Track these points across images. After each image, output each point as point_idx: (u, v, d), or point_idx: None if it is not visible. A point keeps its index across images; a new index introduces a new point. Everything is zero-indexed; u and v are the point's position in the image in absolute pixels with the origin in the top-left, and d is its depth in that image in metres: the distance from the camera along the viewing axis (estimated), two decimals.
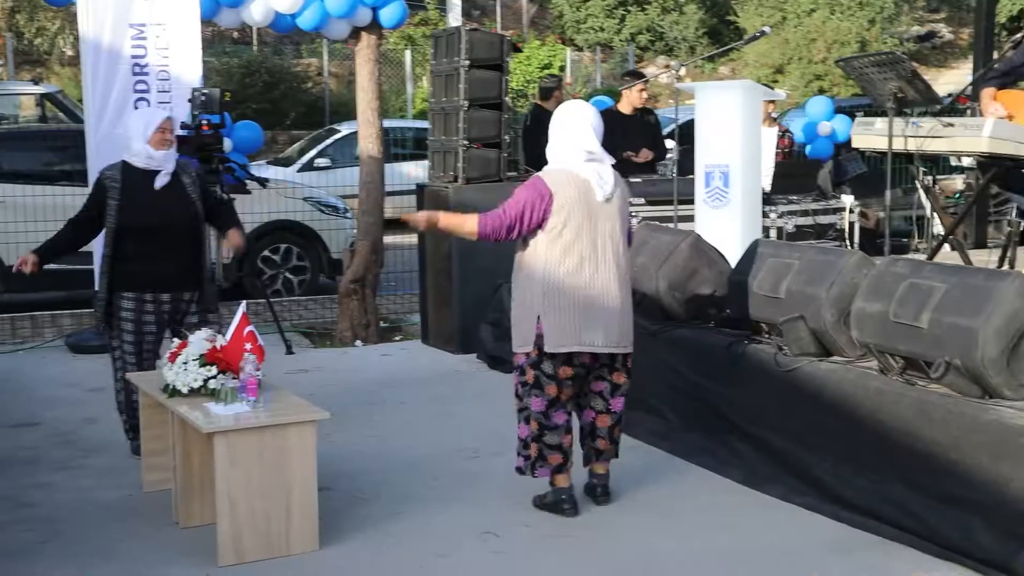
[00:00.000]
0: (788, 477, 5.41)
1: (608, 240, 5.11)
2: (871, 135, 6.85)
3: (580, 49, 27.04)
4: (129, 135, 6.00)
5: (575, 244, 5.05)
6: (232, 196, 8.10)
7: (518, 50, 11.49)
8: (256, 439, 4.68)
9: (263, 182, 11.30)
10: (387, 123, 15.82)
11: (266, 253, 10.97)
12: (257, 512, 4.69)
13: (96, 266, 8.76)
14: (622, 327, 5.18)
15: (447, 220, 5.34)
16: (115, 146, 8.64)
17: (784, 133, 9.73)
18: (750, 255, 5.99)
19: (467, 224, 5.19)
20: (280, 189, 11.18)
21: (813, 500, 5.24)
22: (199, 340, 5.11)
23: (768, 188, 8.91)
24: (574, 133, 5.12)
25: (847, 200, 9.54)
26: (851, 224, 9.52)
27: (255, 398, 4.83)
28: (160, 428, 5.38)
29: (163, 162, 5.90)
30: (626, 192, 5.30)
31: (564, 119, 5.18)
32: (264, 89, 19.50)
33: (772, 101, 9.77)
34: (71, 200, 9.79)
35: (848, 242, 9.37)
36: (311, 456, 4.78)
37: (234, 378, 4.92)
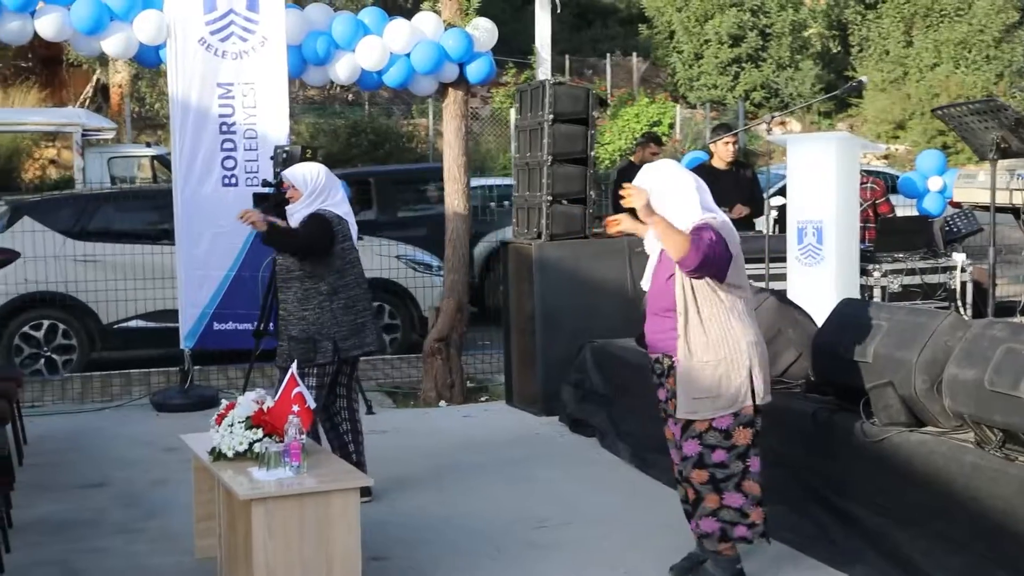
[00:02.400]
0: (875, 556, 4.98)
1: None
2: (973, 188, 6.41)
3: (693, 107, 26.74)
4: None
5: (740, 287, 4.83)
6: None
7: (605, 104, 11.29)
8: (296, 507, 4.46)
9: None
10: (490, 181, 15.81)
11: None
12: None
13: (183, 324, 8.79)
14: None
15: (663, 226, 4.63)
16: (202, 204, 8.71)
17: (865, 184, 9.20)
18: (836, 315, 5.60)
19: (678, 239, 4.63)
20: (372, 246, 11.07)
21: None
22: (247, 401, 4.93)
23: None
24: (702, 187, 4.86)
25: (958, 258, 9.00)
26: (963, 284, 8.97)
27: (298, 463, 4.61)
28: (211, 493, 5.20)
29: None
30: None
31: (684, 177, 4.84)
32: (369, 148, 19.62)
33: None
34: (164, 259, 9.89)
35: (960, 303, 8.84)
36: (354, 525, 4.54)
37: (279, 441, 4.72)
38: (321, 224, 5.94)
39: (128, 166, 17.01)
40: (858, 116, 28.15)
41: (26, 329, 10.19)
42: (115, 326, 10.32)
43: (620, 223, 4.90)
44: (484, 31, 8.91)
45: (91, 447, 7.65)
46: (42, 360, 10.19)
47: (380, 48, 8.72)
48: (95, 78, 24.86)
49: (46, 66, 24.82)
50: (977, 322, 4.98)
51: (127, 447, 7.59)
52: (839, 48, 29.10)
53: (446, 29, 8.84)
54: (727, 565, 4.86)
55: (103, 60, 21.11)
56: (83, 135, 15.64)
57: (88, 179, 15.12)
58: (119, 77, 23.60)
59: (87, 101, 24.22)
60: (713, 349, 4.68)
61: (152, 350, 10.35)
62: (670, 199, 4.73)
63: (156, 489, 6.59)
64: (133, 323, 10.27)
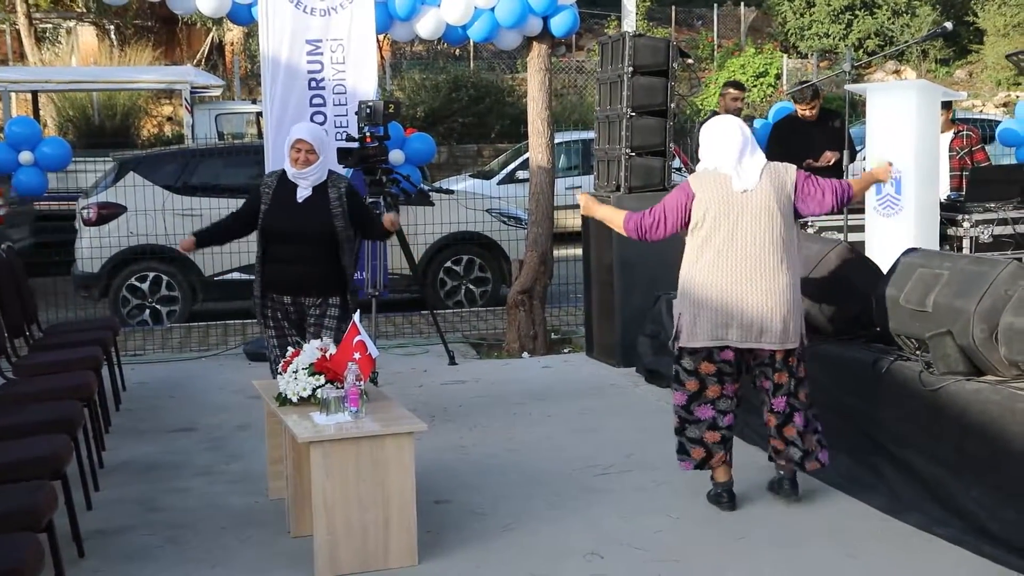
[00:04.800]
0: (931, 505, 4.98)
1: (751, 232, 5.03)
2: None
3: (804, 56, 26.23)
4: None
5: (712, 238, 5.08)
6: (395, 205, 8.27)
7: (686, 55, 11.15)
8: (352, 450, 4.62)
9: (448, 192, 11.45)
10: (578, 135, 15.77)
11: (448, 264, 11.05)
12: (354, 524, 4.64)
13: None
14: (767, 322, 5.03)
15: (603, 211, 5.57)
16: None
17: (959, 132, 9.01)
18: (900, 264, 5.55)
19: (616, 218, 5.41)
20: (462, 200, 11.23)
21: (955, 532, 4.80)
22: (311, 349, 5.11)
23: (943, 197, 8.28)
24: (718, 138, 5.18)
25: None
26: None
27: (356, 408, 4.79)
28: (281, 437, 5.41)
29: (298, 177, 6.02)
30: (783, 183, 5.12)
31: (710, 128, 5.26)
32: (470, 103, 19.75)
33: (949, 108, 9.03)
34: None
35: None
36: (409, 468, 4.69)
37: (339, 388, 4.89)
38: None
39: (235, 122, 17.44)
40: (978, 63, 27.27)
41: (132, 281, 10.62)
42: (216, 278, 10.67)
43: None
44: None
45: (185, 394, 7.97)
46: (147, 311, 10.61)
47: (464, 2, 8.79)
48: (210, 36, 25.44)
49: (164, 25, 25.46)
50: None
51: (218, 394, 7.90)
52: None
53: None
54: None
55: (218, 19, 21.57)
56: (192, 92, 16.05)
57: (196, 136, 15.54)
58: (231, 35, 24.10)
59: (203, 59, 24.82)
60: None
61: (250, 301, 10.63)
62: (704, 152, 5.27)
63: (240, 434, 6.86)
64: (232, 275, 10.58)
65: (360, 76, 8.91)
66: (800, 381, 5.21)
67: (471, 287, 11.14)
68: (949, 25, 7.69)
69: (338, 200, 6.08)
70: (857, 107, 15.65)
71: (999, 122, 12.86)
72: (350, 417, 4.79)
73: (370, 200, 8.26)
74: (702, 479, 5.40)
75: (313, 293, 6.07)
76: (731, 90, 9.87)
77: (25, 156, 9.22)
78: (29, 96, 16.90)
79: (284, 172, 6.16)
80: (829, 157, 9.06)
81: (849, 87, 7.51)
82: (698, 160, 5.35)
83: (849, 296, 5.85)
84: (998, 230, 8.62)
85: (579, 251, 9.09)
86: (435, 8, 8.86)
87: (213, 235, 6.54)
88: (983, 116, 17.75)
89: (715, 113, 10.37)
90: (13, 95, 17.14)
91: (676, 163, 9.81)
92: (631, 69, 8.07)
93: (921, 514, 5.00)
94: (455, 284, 11.11)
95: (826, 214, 5.44)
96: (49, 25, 25.06)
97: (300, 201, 6.09)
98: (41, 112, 16.96)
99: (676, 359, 5.23)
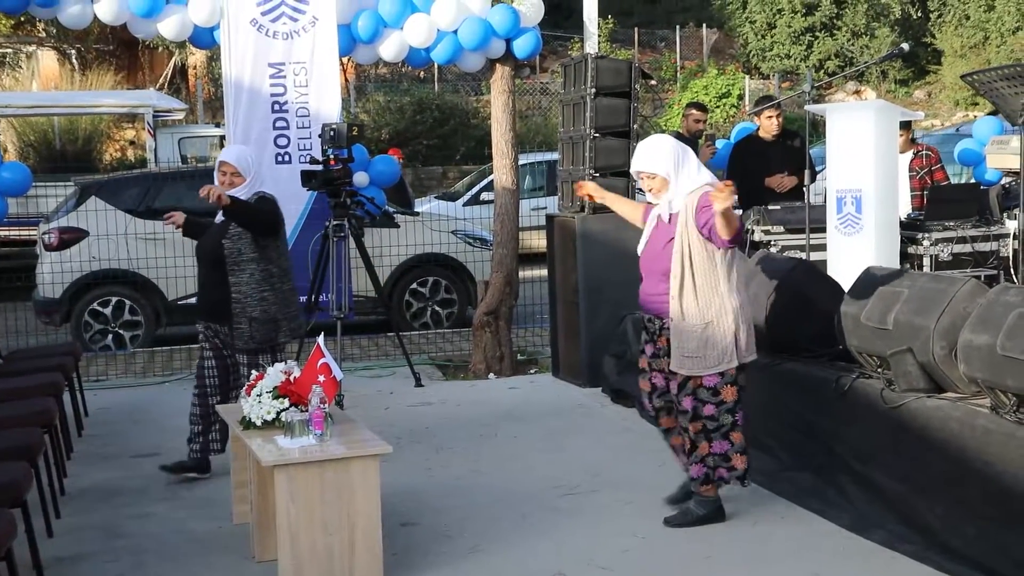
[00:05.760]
0: (895, 523, 5.02)
1: None
2: (1005, 154, 6.33)
3: (766, 77, 26.46)
4: None
5: (735, 256, 5.17)
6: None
7: (648, 76, 11.23)
8: (317, 473, 4.61)
9: (414, 214, 11.47)
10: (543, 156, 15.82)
11: (414, 286, 11.05)
12: (319, 548, 4.61)
13: None
14: None
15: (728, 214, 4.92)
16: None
17: (918, 152, 9.12)
18: (861, 283, 5.60)
19: (734, 223, 4.94)
20: (427, 222, 11.24)
21: (918, 548, 4.83)
22: (275, 372, 5.10)
23: (904, 216, 8.37)
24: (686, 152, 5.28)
25: (1012, 226, 8.86)
26: (1015, 252, 8.83)
27: (321, 431, 4.77)
28: (246, 461, 5.38)
29: None
30: None
31: (684, 148, 5.30)
32: (435, 125, 19.79)
33: (908, 128, 9.10)
34: None
35: (1012, 271, 8.70)
36: (375, 491, 4.67)
37: (303, 411, 4.87)
38: (274, 204, 6.14)
39: (199, 146, 17.39)
40: (936, 83, 27.60)
41: (95, 306, 10.54)
42: (179, 302, 10.60)
43: (586, 188, 5.62)
44: (530, 6, 8.96)
45: (148, 419, 7.91)
46: (110, 336, 10.53)
47: (427, 25, 8.82)
48: (173, 60, 25.36)
49: (126, 49, 25.35)
50: (994, 288, 4.95)
51: (182, 419, 7.72)
52: (919, 14, 28.45)
53: (492, 5, 8.92)
54: (708, 504, 5.29)
55: (180, 42, 21.51)
56: (155, 116, 16.00)
57: (159, 159, 15.48)
58: (194, 59, 24.02)
59: (166, 83, 24.73)
60: (702, 314, 5.06)
61: None
62: (683, 168, 5.19)
63: None
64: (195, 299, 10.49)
65: (323, 99, 8.94)
66: None
67: (437, 309, 11.13)
68: (905, 46, 7.80)
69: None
70: (818, 127, 15.82)
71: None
72: (315, 440, 4.76)
73: (335, 222, 8.28)
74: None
75: (214, 319, 6.19)
76: (694, 111, 9.96)
77: None
78: None
79: None
80: (787, 184, 9.13)
81: (809, 107, 7.58)
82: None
83: (810, 314, 5.89)
84: (957, 248, 8.71)
85: (544, 272, 9.11)
86: (398, 31, 8.89)
87: (197, 228, 6.54)
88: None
89: (679, 134, 10.48)
90: None
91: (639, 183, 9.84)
92: (594, 90, 8.11)
93: (884, 531, 5.03)
94: (421, 306, 11.10)
95: None
96: (9, 50, 24.90)
97: (216, 223, 6.17)
98: (1, 137, 16.85)
99: (732, 380, 5.14)
